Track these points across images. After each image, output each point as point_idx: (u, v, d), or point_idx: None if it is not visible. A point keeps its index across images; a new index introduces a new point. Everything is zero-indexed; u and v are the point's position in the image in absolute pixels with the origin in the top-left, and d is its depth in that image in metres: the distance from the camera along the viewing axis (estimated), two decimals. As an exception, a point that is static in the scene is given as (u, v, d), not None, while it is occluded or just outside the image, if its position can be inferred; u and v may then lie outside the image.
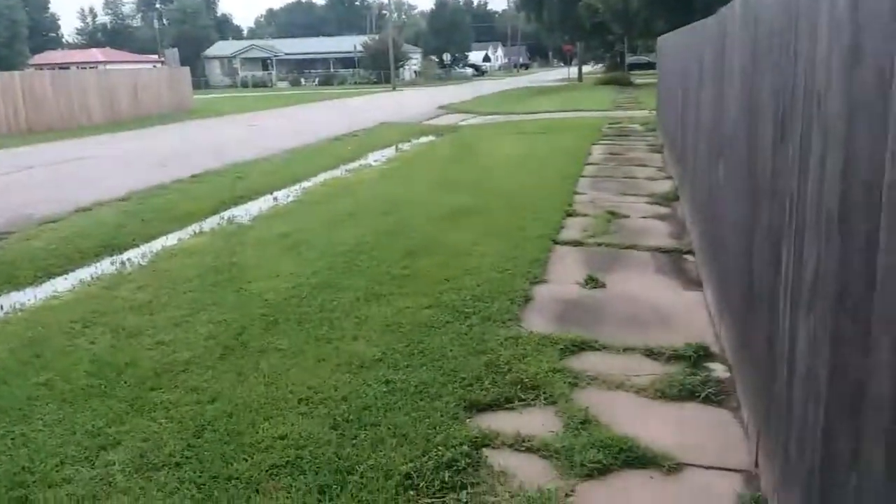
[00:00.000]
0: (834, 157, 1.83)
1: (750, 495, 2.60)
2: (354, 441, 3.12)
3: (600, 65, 56.39)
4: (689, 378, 3.55)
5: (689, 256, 5.83)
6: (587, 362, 3.86)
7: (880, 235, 1.48)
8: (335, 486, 2.80)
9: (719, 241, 4.23)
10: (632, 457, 2.91)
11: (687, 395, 3.43)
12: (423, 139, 16.56)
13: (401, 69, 63.85)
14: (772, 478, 2.49)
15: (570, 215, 7.52)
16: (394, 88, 50.58)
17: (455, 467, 2.88)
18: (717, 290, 4.30)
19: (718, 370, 3.69)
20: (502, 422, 3.25)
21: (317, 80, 67.90)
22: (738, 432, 3.10)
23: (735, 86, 3.75)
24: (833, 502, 1.76)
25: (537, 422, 3.24)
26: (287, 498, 2.74)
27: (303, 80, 68.29)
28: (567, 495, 2.70)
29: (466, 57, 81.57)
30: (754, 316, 2.94)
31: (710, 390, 3.43)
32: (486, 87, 44.91)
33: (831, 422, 1.80)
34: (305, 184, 10.63)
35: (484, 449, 3.03)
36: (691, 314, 4.54)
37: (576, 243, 6.40)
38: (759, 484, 2.67)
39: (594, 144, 13.36)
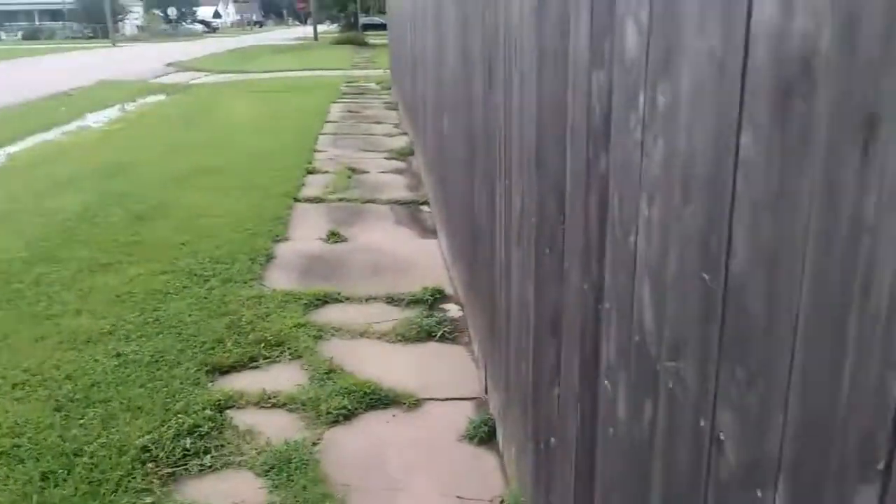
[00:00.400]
0: (528, 101, 2.01)
1: (480, 419, 2.83)
2: (82, 421, 2.89)
3: (336, 24, 56.10)
4: (426, 320, 3.75)
5: (424, 207, 6.11)
6: (331, 314, 3.91)
7: (567, 174, 1.66)
8: (61, 471, 2.57)
9: (448, 188, 4.48)
10: (375, 399, 3.03)
11: (425, 335, 3.63)
12: (152, 98, 15.38)
13: (120, 24, 58.44)
14: (498, 400, 2.73)
15: (311, 173, 7.50)
16: (114, 44, 46.18)
17: (198, 433, 2.79)
18: (448, 235, 4.57)
19: (453, 310, 3.94)
20: (247, 381, 3.20)
21: (19, 33, 59.91)
22: (471, 365, 3.35)
23: (451, 38, 3.95)
24: (542, 412, 1.98)
25: (283, 377, 3.24)
26: (4, 490, 2.48)
27: (2, 34, 59.89)
28: (314, 444, 2.75)
29: (195, 12, 76.87)
30: (478, 254, 3.17)
31: (445, 329, 3.66)
32: (219, 44, 42.72)
33: (539, 342, 2.01)
34: (11, 149, 9.40)
35: (228, 411, 2.97)
36: (428, 260, 4.78)
37: (318, 200, 6.41)
38: (489, 408, 2.92)
39: (333, 103, 13.35)
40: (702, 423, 1.01)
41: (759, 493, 0.85)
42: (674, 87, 1.07)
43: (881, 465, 0.65)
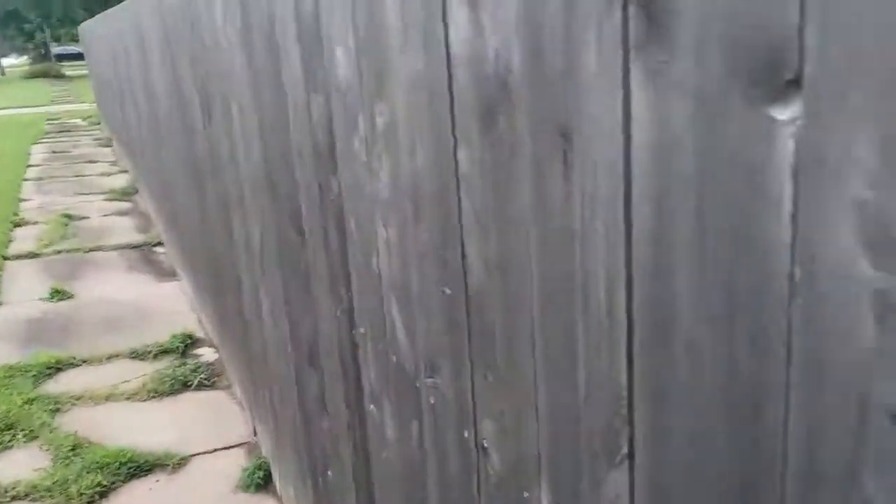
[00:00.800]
0: (251, 127, 1.94)
1: (253, 465, 2.71)
2: None
3: (25, 57, 50.59)
4: (179, 370, 3.52)
5: (159, 248, 5.72)
6: (68, 382, 3.52)
7: (301, 201, 1.62)
8: None
9: (182, 224, 4.22)
10: (134, 467, 2.77)
11: (180, 386, 3.40)
12: None
13: None
14: (269, 441, 2.62)
15: (18, 226, 6.71)
16: None
17: (-85, 558, 2.36)
18: (190, 274, 4.31)
19: (207, 354, 3.73)
20: (-25, 480, 2.77)
21: None
22: (235, 409, 3.19)
23: (159, 70, 3.71)
24: (315, 446, 1.93)
25: (20, 464, 2.86)
26: None
27: None
28: (69, 534, 2.44)
29: None
30: (225, 291, 3.02)
31: (202, 376, 3.46)
32: None
33: (301, 375, 1.95)
34: None
35: (-45, 522, 2.55)
36: (172, 305, 4.47)
37: (31, 255, 5.74)
38: (261, 451, 2.80)
39: (35, 144, 12.06)
40: (466, 435, 1.03)
41: (526, 494, 0.89)
42: (391, 108, 1.07)
43: (625, 450, 0.70)
